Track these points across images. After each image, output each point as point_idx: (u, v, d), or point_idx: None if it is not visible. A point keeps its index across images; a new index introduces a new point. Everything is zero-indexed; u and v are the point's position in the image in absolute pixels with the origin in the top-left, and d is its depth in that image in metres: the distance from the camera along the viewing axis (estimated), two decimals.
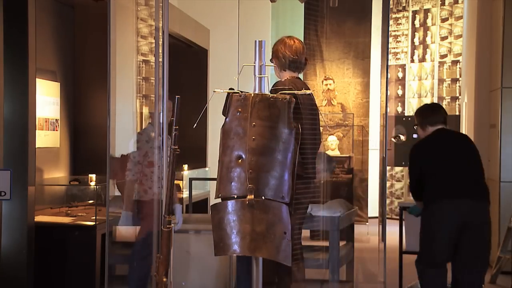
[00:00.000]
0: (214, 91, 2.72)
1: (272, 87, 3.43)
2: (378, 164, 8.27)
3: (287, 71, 3.61)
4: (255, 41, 2.68)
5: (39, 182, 4.94)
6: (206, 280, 4.71)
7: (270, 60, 3.64)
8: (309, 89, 3.53)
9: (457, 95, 9.39)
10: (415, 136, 9.87)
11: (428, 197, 4.09)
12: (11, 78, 4.15)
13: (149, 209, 3.94)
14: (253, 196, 2.57)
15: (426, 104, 4.66)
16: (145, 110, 5.97)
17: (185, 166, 6.74)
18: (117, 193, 4.78)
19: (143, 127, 4.91)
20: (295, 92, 2.70)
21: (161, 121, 3.64)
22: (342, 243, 5.09)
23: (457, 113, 9.17)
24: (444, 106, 9.81)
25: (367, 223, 8.45)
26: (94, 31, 5.74)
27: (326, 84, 8.87)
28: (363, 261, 5.72)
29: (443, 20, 9.72)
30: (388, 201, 9.84)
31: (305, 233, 5.71)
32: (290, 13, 9.37)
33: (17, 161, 4.12)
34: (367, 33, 8.93)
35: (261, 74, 2.67)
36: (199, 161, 7.52)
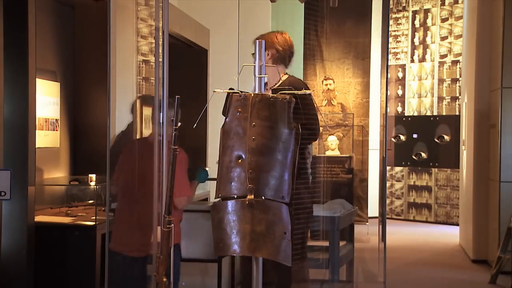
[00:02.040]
0: (214, 91, 2.72)
1: (286, 84, 3.44)
2: (378, 164, 8.27)
3: (282, 66, 3.64)
4: (256, 41, 2.68)
5: (39, 182, 4.94)
6: (206, 280, 4.71)
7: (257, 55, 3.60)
8: (309, 88, 3.55)
9: (457, 95, 9.39)
10: (415, 136, 9.90)
11: None
12: (11, 78, 4.15)
13: None
14: (253, 196, 2.57)
15: None
16: (145, 110, 5.96)
17: None
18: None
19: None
20: (295, 92, 2.70)
21: (161, 121, 3.64)
22: (342, 243, 5.10)
23: (457, 113, 9.17)
24: (444, 106, 9.85)
25: (367, 223, 8.46)
26: (94, 31, 5.74)
27: (326, 84, 8.87)
28: (363, 261, 5.72)
29: (443, 20, 9.72)
30: (388, 201, 9.84)
31: None
32: (290, 13, 9.36)
33: (17, 161, 4.11)
34: (367, 33, 8.93)
35: (261, 74, 2.67)
36: (199, 161, 7.51)
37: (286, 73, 3.70)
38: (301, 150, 3.45)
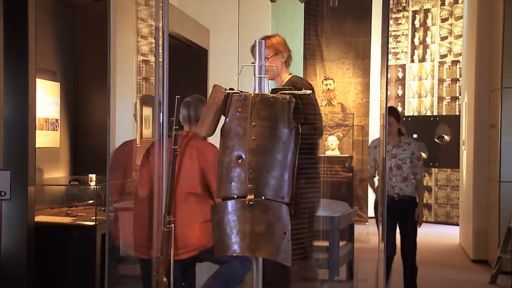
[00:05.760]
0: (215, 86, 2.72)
1: (292, 84, 3.46)
2: None
3: (287, 69, 3.69)
4: (255, 41, 2.68)
5: (39, 182, 4.94)
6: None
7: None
8: (312, 86, 3.58)
9: (457, 95, 9.39)
10: (415, 136, 9.90)
11: None
12: (11, 78, 4.15)
13: None
14: (253, 196, 2.57)
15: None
16: (145, 110, 5.97)
17: None
18: None
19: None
20: (295, 92, 2.70)
21: (161, 121, 3.64)
22: (342, 243, 5.10)
23: (457, 113, 9.17)
24: (444, 106, 9.84)
25: (367, 223, 8.46)
26: (94, 31, 5.74)
27: (326, 84, 8.87)
28: (363, 261, 5.72)
29: (443, 20, 9.72)
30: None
31: None
32: (290, 13, 9.36)
33: (17, 161, 4.12)
34: (367, 33, 8.93)
35: (261, 74, 2.67)
36: None
37: (290, 73, 3.75)
38: (310, 148, 3.46)
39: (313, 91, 3.51)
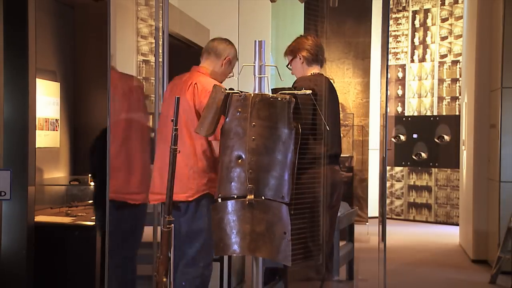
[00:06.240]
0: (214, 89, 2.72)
1: (294, 84, 3.50)
2: (378, 164, 8.28)
3: (313, 66, 3.71)
4: (255, 41, 2.69)
5: (39, 182, 4.93)
6: None
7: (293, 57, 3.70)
8: (333, 87, 3.61)
9: (457, 95, 9.39)
10: (415, 136, 9.90)
11: None
12: (11, 78, 4.15)
13: None
14: (253, 196, 2.57)
15: None
16: None
17: None
18: None
19: None
20: (295, 92, 2.70)
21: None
22: (342, 243, 5.10)
23: (457, 113, 9.17)
24: (444, 106, 9.85)
25: (367, 223, 8.46)
26: (94, 31, 5.74)
27: None
28: (363, 261, 5.72)
29: (443, 20, 9.72)
30: (388, 201, 9.84)
31: None
32: (290, 13, 9.36)
33: (17, 161, 4.11)
34: (367, 33, 8.93)
35: (261, 74, 2.68)
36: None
37: (318, 72, 3.76)
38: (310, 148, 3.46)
39: (325, 91, 3.52)
